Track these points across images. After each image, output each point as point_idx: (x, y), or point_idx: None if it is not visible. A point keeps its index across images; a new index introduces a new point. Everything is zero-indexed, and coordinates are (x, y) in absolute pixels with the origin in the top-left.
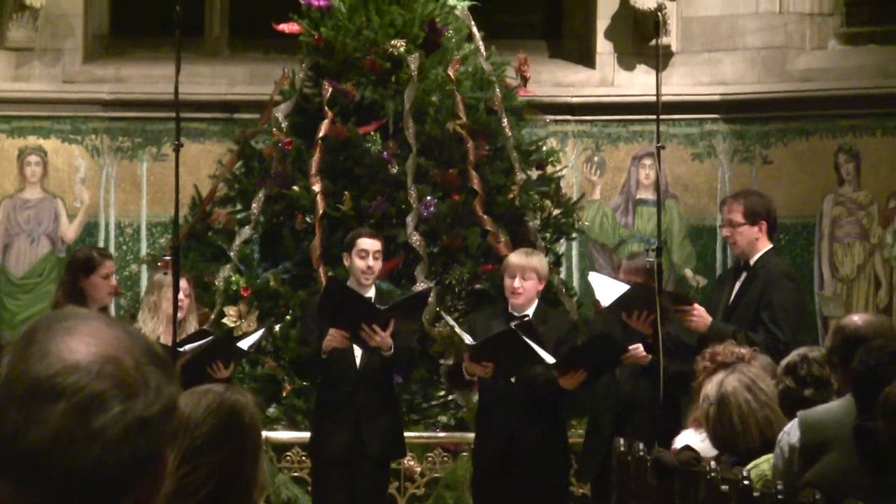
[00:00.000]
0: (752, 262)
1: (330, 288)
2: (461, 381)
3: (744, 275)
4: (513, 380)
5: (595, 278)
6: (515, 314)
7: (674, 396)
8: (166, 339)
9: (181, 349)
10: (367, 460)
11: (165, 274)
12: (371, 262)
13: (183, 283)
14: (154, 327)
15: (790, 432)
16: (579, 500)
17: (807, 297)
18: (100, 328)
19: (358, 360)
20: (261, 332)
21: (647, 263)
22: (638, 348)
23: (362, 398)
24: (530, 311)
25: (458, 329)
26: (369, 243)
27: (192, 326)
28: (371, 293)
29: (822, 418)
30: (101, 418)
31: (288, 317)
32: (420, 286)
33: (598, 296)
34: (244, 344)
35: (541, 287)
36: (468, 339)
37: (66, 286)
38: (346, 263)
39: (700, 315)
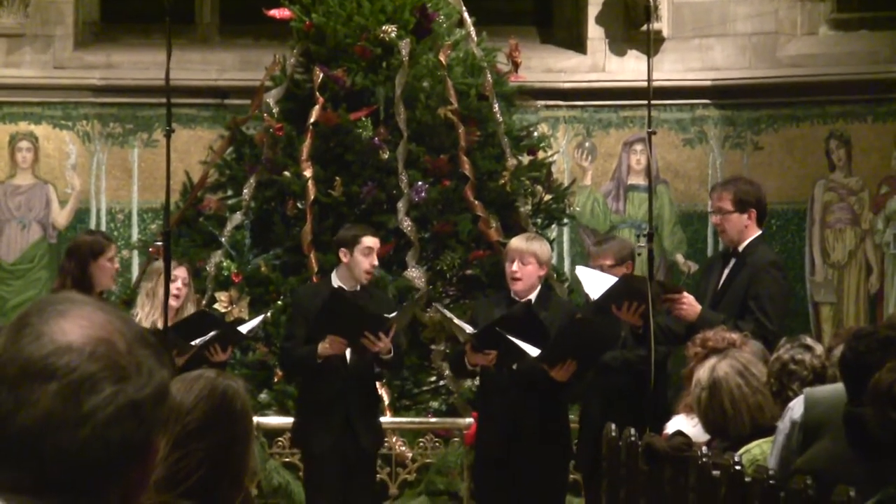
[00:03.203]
0: (740, 249)
1: (333, 304)
2: (464, 370)
3: (732, 262)
4: (514, 367)
5: (582, 272)
6: (518, 300)
7: (662, 382)
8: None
9: (193, 343)
10: (358, 452)
11: (157, 258)
12: (374, 260)
13: (182, 272)
14: (150, 313)
15: (794, 407)
16: (570, 487)
17: (797, 284)
18: (93, 312)
19: (348, 359)
20: (260, 318)
21: (620, 248)
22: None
23: (351, 394)
24: (532, 297)
25: (456, 321)
26: (373, 241)
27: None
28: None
29: (825, 398)
30: (92, 399)
31: (279, 302)
32: (411, 271)
33: (586, 290)
34: (244, 329)
35: (542, 273)
36: (469, 329)
37: (73, 272)
38: (345, 259)
39: (689, 304)
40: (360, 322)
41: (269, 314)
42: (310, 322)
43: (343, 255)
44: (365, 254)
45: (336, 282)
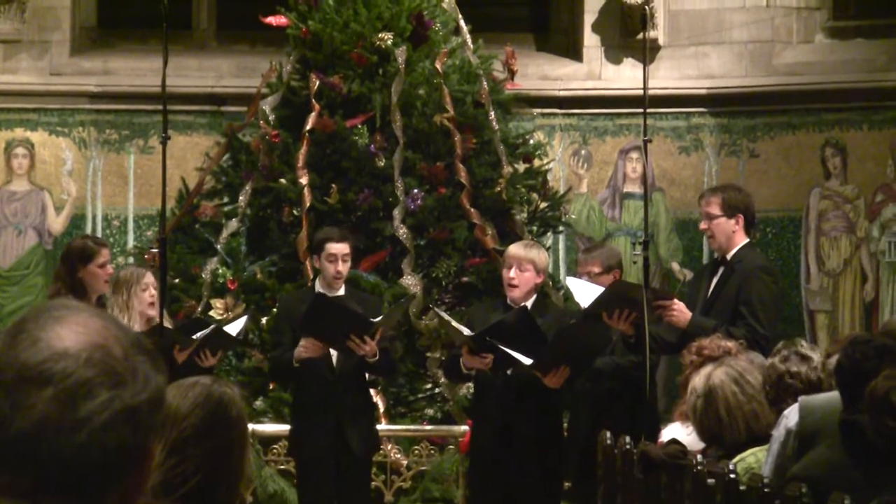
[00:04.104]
0: (728, 256)
1: (317, 306)
2: (460, 374)
3: (721, 269)
4: (509, 372)
5: (573, 283)
6: (514, 306)
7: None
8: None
9: (195, 336)
10: (350, 458)
11: (153, 265)
12: (340, 266)
13: (151, 278)
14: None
15: (789, 416)
16: (564, 494)
17: (793, 291)
18: (89, 318)
19: (334, 362)
20: (244, 318)
21: (608, 256)
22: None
23: (342, 399)
24: (528, 305)
25: (454, 323)
26: (338, 248)
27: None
28: (341, 291)
29: (821, 406)
30: (88, 405)
31: (275, 309)
32: (407, 279)
33: (577, 299)
34: (229, 330)
35: (539, 280)
36: (466, 332)
37: (64, 277)
38: (316, 265)
39: (680, 310)
40: (344, 323)
41: (264, 320)
42: (296, 327)
43: (314, 260)
44: (330, 260)
45: (319, 288)
